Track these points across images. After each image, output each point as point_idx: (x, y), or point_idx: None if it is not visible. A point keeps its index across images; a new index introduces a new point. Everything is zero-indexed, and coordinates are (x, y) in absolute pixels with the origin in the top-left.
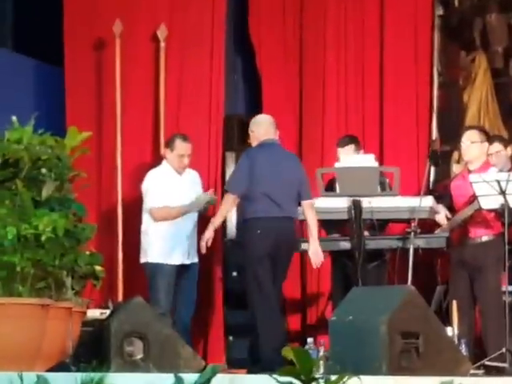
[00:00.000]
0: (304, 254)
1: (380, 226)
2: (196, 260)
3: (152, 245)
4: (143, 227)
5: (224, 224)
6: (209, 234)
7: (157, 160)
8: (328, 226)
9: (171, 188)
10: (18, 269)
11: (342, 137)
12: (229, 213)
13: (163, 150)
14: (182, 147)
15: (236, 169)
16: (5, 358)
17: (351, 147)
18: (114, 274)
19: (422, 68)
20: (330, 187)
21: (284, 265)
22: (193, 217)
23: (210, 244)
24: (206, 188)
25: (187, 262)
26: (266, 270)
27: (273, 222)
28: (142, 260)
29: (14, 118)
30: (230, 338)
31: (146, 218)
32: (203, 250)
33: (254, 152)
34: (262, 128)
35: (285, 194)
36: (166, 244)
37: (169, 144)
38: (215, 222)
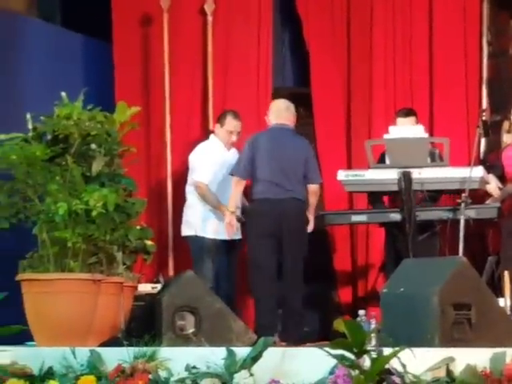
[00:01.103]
0: (353, 227)
1: (433, 197)
2: (240, 236)
3: (201, 219)
4: (190, 200)
5: None
6: (227, 218)
7: (205, 134)
8: (375, 198)
9: (218, 163)
10: (70, 244)
11: (401, 108)
12: (238, 196)
13: (213, 125)
14: (231, 124)
15: (241, 153)
16: (58, 333)
17: (412, 119)
18: (165, 248)
19: (471, 38)
20: (382, 160)
21: (290, 243)
22: None
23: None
24: None
25: (235, 237)
26: (263, 246)
27: (271, 202)
28: (187, 233)
29: (64, 94)
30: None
31: (191, 191)
32: (230, 234)
33: (258, 136)
34: (273, 113)
35: (286, 176)
36: (216, 219)
37: (219, 119)
38: (229, 207)
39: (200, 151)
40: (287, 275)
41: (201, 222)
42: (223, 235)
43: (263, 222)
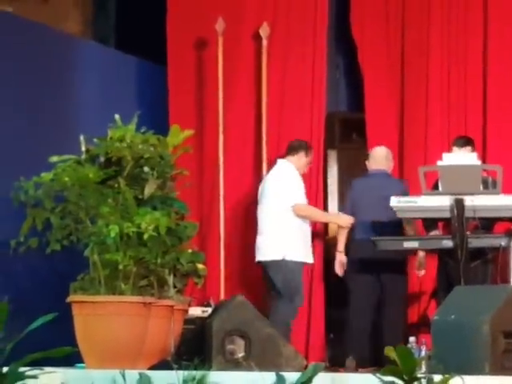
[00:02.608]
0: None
1: (486, 225)
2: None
3: (293, 242)
4: (283, 224)
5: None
6: (338, 257)
7: (258, 158)
8: (429, 224)
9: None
10: (121, 267)
11: (458, 136)
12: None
13: (266, 149)
14: (311, 156)
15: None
16: (108, 355)
17: (468, 149)
18: (216, 272)
19: None
20: (436, 187)
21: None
22: None
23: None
24: (308, 187)
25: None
26: (360, 281)
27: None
28: (276, 257)
29: (117, 117)
30: (331, 335)
31: (285, 215)
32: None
33: (356, 182)
34: (373, 160)
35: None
36: (307, 243)
37: (299, 149)
38: (338, 247)
39: (293, 175)
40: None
41: (297, 246)
42: (310, 259)
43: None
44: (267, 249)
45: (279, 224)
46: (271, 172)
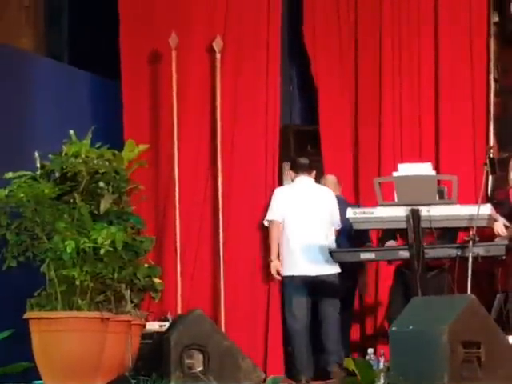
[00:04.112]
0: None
1: (450, 235)
2: None
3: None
4: (330, 242)
5: None
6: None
7: (213, 171)
8: (385, 235)
9: None
10: (78, 282)
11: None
12: None
13: (221, 163)
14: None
15: None
16: (65, 372)
17: None
18: (173, 286)
19: (479, 75)
20: None
21: None
22: None
23: None
24: (264, 198)
25: None
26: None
27: None
28: (326, 272)
29: (72, 132)
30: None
31: (331, 233)
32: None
33: None
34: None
35: None
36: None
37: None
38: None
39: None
40: None
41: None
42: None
43: None
44: (324, 265)
45: (330, 241)
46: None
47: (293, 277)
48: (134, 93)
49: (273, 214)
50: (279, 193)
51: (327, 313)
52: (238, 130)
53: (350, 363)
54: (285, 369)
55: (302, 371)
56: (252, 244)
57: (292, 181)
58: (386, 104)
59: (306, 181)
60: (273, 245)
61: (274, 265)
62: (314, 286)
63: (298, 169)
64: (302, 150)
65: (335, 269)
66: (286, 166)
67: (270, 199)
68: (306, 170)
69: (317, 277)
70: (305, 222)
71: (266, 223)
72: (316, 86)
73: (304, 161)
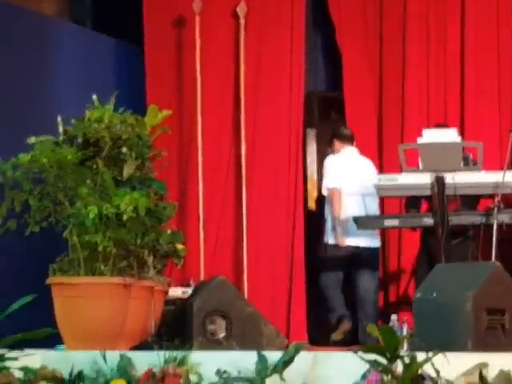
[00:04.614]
0: (385, 231)
1: (470, 203)
2: None
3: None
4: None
5: None
6: None
7: (237, 138)
8: (411, 203)
9: None
10: (100, 248)
11: (437, 123)
12: None
13: (244, 129)
14: None
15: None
16: (88, 337)
17: None
18: (196, 252)
19: (504, 41)
20: None
21: None
22: None
23: None
24: (287, 166)
25: None
26: None
27: None
28: (373, 244)
29: (95, 97)
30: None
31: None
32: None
33: None
34: None
35: None
36: None
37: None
38: None
39: None
40: None
41: None
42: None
43: None
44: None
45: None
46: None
47: (337, 246)
48: (157, 58)
49: (333, 182)
50: (333, 162)
51: (367, 285)
52: (261, 97)
53: (373, 329)
54: (308, 336)
55: (341, 319)
56: (275, 211)
57: (337, 151)
58: (412, 69)
59: (353, 151)
60: (337, 211)
61: (341, 232)
62: (357, 258)
63: (344, 139)
64: (325, 116)
65: (378, 243)
66: (311, 131)
67: (293, 167)
68: (352, 140)
69: (364, 248)
70: (356, 192)
71: (325, 192)
72: (340, 53)
73: (349, 132)
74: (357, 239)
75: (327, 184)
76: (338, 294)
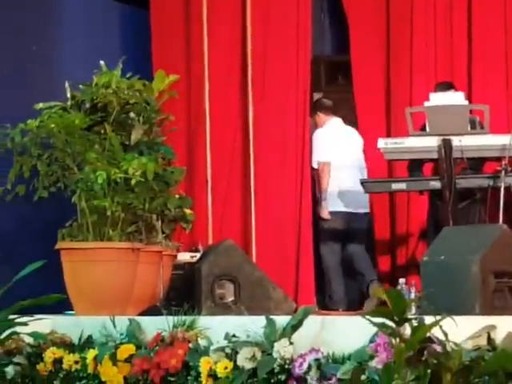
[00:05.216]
0: (392, 194)
1: (475, 166)
2: None
3: None
4: None
5: None
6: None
7: (244, 102)
8: (412, 165)
9: None
10: (109, 213)
11: (441, 82)
12: None
13: (252, 94)
14: None
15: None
16: (97, 302)
17: (451, 93)
18: (204, 216)
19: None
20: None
21: None
22: None
23: None
24: (294, 130)
25: None
26: None
27: None
28: (363, 210)
29: (102, 62)
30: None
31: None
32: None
33: None
34: None
35: None
36: None
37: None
38: None
39: None
40: None
41: None
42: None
43: None
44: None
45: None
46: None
47: (334, 212)
48: (163, 22)
49: (323, 156)
50: (322, 135)
51: (357, 249)
52: (269, 60)
53: (380, 292)
54: (316, 300)
55: (339, 301)
56: (282, 175)
57: (322, 123)
58: (419, 33)
59: (338, 122)
60: (325, 185)
61: (326, 205)
62: (349, 223)
63: (328, 110)
64: (332, 81)
65: (367, 209)
66: (317, 96)
67: (301, 131)
68: (335, 111)
69: (355, 214)
70: (346, 164)
71: (315, 165)
72: (347, 16)
73: (331, 102)
74: (347, 209)
75: (317, 158)
76: (337, 270)
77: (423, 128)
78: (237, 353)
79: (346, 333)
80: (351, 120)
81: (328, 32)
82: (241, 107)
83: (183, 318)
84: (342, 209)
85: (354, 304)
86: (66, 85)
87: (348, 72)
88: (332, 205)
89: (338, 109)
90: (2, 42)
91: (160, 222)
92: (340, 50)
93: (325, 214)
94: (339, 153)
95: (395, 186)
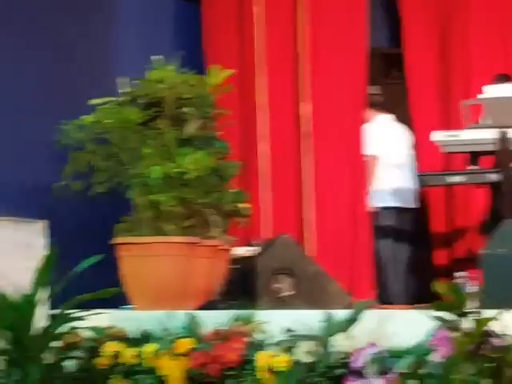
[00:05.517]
0: (450, 188)
1: None
2: None
3: None
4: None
5: None
6: None
7: (296, 96)
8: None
9: None
10: (164, 208)
11: (498, 74)
12: None
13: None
14: None
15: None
16: (154, 296)
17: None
18: (259, 211)
19: None
20: None
21: None
22: None
23: None
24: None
25: None
26: None
27: None
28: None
29: (157, 58)
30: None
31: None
32: None
33: None
34: None
35: None
36: None
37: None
38: None
39: None
40: None
41: None
42: None
43: None
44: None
45: None
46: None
47: (386, 208)
48: (216, 16)
49: (372, 150)
50: (372, 129)
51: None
52: (323, 53)
53: (440, 286)
54: (374, 294)
55: (396, 296)
56: (338, 169)
57: (371, 119)
58: (475, 23)
59: (388, 118)
60: (372, 178)
61: (371, 199)
62: (401, 218)
63: (377, 106)
64: (387, 73)
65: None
66: (373, 89)
67: (357, 124)
68: (385, 107)
69: (406, 209)
70: (395, 157)
71: (366, 158)
72: (400, 9)
73: (381, 98)
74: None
75: (368, 151)
76: (392, 265)
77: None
78: (294, 347)
79: (404, 327)
80: (406, 114)
81: (381, 24)
82: (295, 100)
83: (240, 312)
84: (393, 204)
85: (411, 298)
86: (121, 80)
87: (401, 65)
88: (383, 200)
89: (392, 101)
90: (56, 38)
91: (215, 216)
92: (394, 43)
93: (370, 208)
94: (388, 149)
95: (451, 179)
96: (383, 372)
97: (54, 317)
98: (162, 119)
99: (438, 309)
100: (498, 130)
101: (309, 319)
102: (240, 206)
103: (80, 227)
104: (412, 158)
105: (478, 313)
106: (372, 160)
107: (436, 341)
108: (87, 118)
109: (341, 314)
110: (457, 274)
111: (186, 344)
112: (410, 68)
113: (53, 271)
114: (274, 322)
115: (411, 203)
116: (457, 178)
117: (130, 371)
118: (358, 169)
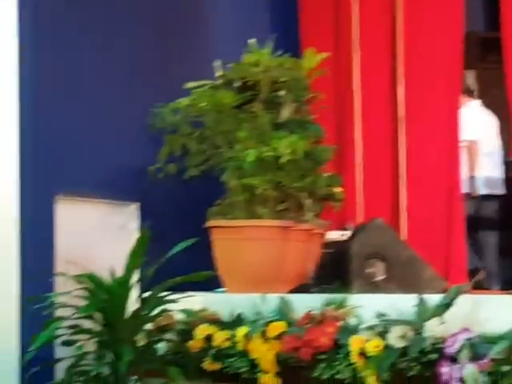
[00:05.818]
0: None
1: None
2: None
3: None
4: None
5: None
6: None
7: (393, 77)
8: None
9: None
10: (259, 191)
11: None
12: None
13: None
14: None
15: None
16: (247, 280)
17: None
18: (354, 195)
19: None
20: None
21: None
22: None
23: None
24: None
25: None
26: None
27: None
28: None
29: (252, 41)
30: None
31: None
32: None
33: None
34: None
35: None
36: None
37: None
38: None
39: None
40: None
41: None
42: None
43: None
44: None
45: None
46: None
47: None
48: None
49: (472, 134)
50: (467, 114)
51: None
52: (420, 37)
53: None
54: (468, 279)
55: (493, 281)
56: (433, 154)
57: (463, 105)
58: None
59: (476, 104)
60: (475, 163)
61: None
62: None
63: (466, 92)
64: (484, 58)
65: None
66: (469, 73)
67: (453, 108)
68: (473, 93)
69: (493, 196)
70: (481, 143)
71: (464, 143)
72: None
73: (469, 85)
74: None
75: (466, 136)
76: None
77: None
78: (387, 332)
79: (498, 312)
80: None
81: (479, 8)
82: (391, 85)
83: (333, 296)
84: (483, 192)
85: (509, 284)
86: (216, 63)
87: (500, 49)
88: (474, 187)
89: (489, 86)
90: (153, 22)
91: (310, 200)
92: (492, 27)
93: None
94: (479, 135)
95: None
96: (478, 357)
97: (144, 300)
98: (257, 102)
99: None
100: None
101: (402, 304)
102: (334, 189)
103: (174, 210)
104: (496, 144)
105: None
106: (471, 145)
107: None
108: (182, 102)
109: (434, 298)
110: None
111: (278, 327)
112: (509, 52)
113: (144, 254)
114: (366, 306)
115: (499, 190)
116: None
117: (223, 354)
118: (453, 152)
